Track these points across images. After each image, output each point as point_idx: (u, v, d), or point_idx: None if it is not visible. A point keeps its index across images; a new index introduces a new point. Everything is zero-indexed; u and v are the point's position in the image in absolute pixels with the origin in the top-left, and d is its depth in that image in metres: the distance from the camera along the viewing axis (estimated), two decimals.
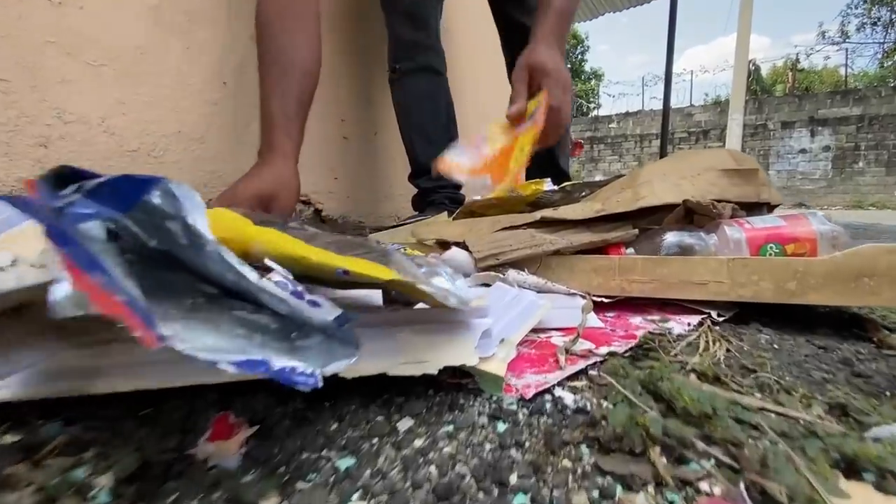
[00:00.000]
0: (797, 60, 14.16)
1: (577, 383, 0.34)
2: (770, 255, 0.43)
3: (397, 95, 0.92)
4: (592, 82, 21.53)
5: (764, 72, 16.92)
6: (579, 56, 22.02)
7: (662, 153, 4.15)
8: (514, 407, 0.31)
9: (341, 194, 0.98)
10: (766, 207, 0.48)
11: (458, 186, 0.96)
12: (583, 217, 0.45)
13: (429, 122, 0.91)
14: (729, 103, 11.09)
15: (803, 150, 10.82)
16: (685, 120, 12.05)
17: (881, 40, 11.87)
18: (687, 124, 12.02)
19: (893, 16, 11.19)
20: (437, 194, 0.92)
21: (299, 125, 0.61)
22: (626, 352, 0.39)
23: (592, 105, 17.79)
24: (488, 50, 1.15)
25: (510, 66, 1.09)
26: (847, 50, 11.22)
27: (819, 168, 10.72)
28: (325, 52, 0.92)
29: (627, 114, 12.89)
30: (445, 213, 0.81)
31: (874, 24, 11.33)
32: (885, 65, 12.23)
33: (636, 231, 0.44)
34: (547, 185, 0.69)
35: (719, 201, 0.45)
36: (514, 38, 1.00)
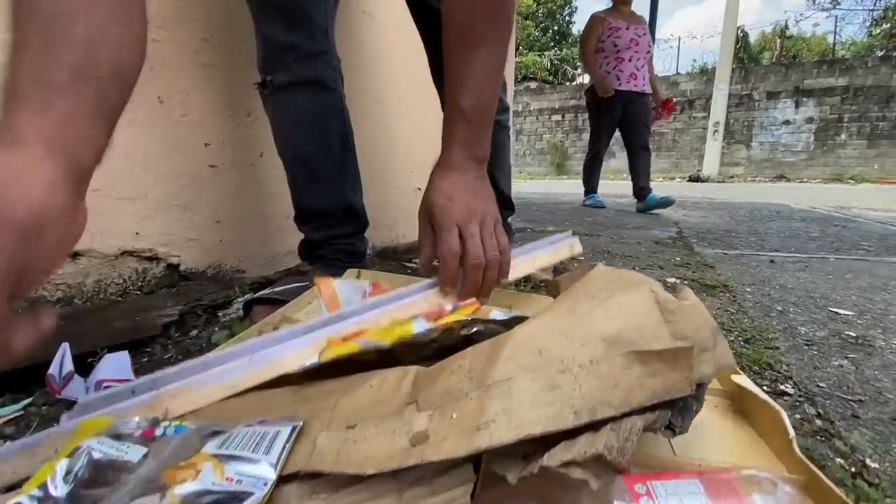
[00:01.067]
0: (786, 27, 13.81)
1: None
2: None
3: (271, 114, 0.70)
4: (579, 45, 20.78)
5: (752, 37, 16.52)
6: (567, 18, 21.18)
7: None
8: None
9: (209, 239, 0.77)
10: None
11: (360, 231, 0.77)
12: (381, 469, 0.23)
13: (314, 153, 0.70)
14: (715, 72, 10.84)
15: (787, 122, 10.69)
16: (671, 89, 11.73)
17: (871, 7, 11.59)
18: (672, 93, 11.71)
19: None
20: (328, 247, 0.73)
21: (74, 99, 0.31)
22: None
23: (578, 71, 17.23)
24: None
25: (432, 65, 0.87)
26: (836, 17, 10.89)
27: (801, 140, 10.63)
28: (170, 51, 0.69)
29: None
30: (331, 281, 0.63)
31: None
32: (874, 33, 11.99)
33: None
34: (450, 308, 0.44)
35: (628, 414, 0.22)
36: (430, 27, 0.78)
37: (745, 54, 12.31)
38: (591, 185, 3.34)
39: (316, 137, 0.69)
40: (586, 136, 14.29)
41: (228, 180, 0.80)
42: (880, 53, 10.84)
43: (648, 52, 2.72)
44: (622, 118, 2.86)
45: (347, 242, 0.74)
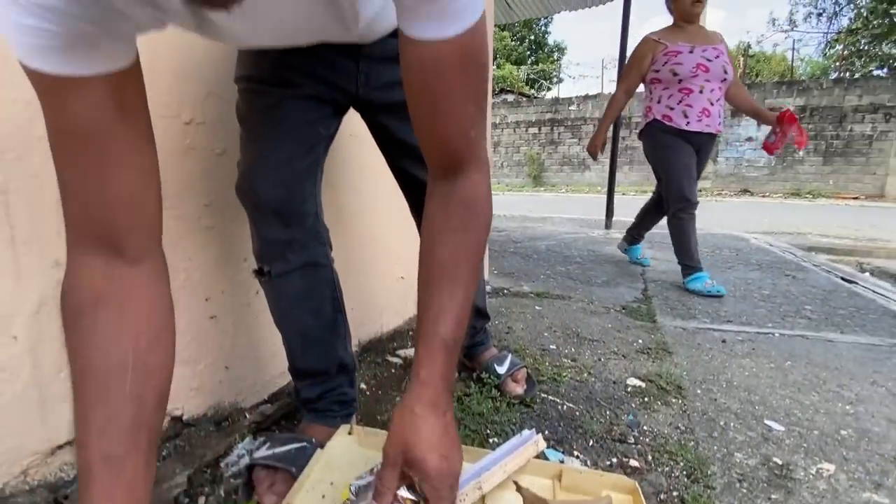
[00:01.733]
0: (749, 46, 14.50)
1: None
2: None
3: (268, 295, 0.77)
4: (555, 55, 21.26)
5: None
6: (542, 28, 21.59)
7: (615, 142, 4.14)
8: None
9: (210, 384, 0.82)
10: None
11: (351, 378, 0.84)
12: None
13: (310, 323, 0.76)
14: None
15: (749, 139, 11.20)
16: (641, 105, 12.12)
17: (825, 31, 12.27)
18: (642, 109, 12.11)
19: (837, 7, 11.55)
20: (322, 400, 0.80)
21: (132, 461, 0.40)
22: None
23: (554, 79, 17.59)
24: None
25: (419, 227, 0.94)
26: (793, 40, 11.56)
27: (763, 156, 11.15)
28: (175, 224, 0.76)
29: (587, 97, 12.86)
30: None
31: (819, 14, 11.67)
32: (828, 54, 12.71)
33: None
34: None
35: None
36: (415, 195, 0.86)
37: None
38: (639, 233, 2.78)
39: (310, 309, 0.76)
40: (562, 148, 14.70)
41: (227, 325, 0.86)
42: (834, 75, 11.47)
43: (725, 78, 2.01)
44: None
45: (339, 392, 0.81)
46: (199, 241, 0.81)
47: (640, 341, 1.46)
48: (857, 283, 2.31)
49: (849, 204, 9.04)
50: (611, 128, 3.12)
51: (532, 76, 16.61)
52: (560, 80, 17.42)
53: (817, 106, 10.61)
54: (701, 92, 2.01)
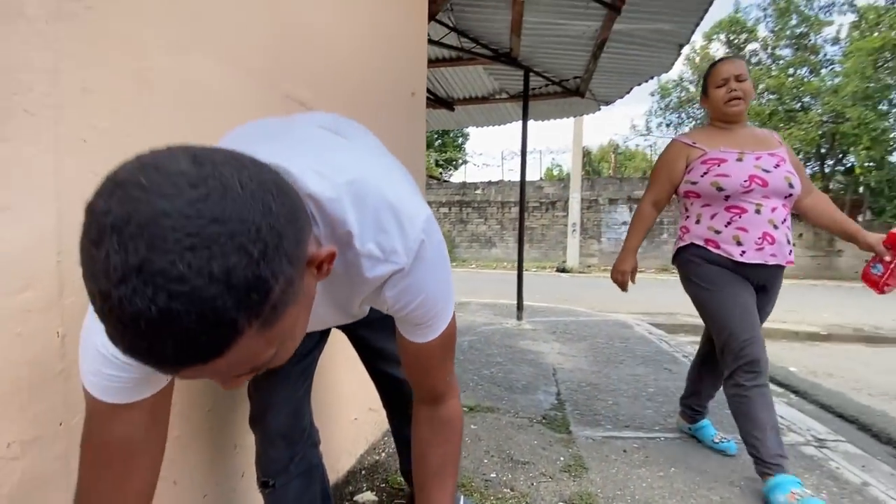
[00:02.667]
0: (617, 146, 17.59)
1: None
2: None
3: (268, 501, 0.85)
4: (460, 140, 23.31)
5: (595, 147, 20.34)
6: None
7: (521, 222, 4.66)
8: None
9: None
10: None
11: None
12: None
13: None
14: (570, 179, 13.09)
15: (625, 223, 13.12)
16: (536, 192, 13.72)
17: (673, 135, 15.29)
18: (538, 196, 13.70)
19: (680, 120, 14.57)
20: None
21: None
22: None
23: (460, 163, 19.11)
24: None
25: (388, 415, 1.08)
26: (650, 144, 14.49)
27: None
28: (182, 433, 0.85)
29: (490, 182, 14.19)
30: None
31: (668, 125, 14.66)
32: None
33: None
34: None
35: None
36: (389, 390, 1.02)
37: (590, 167, 15.06)
38: (700, 405, 1.88)
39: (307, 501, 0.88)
40: (471, 227, 15.86)
41: None
42: None
43: (790, 194, 1.50)
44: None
45: None
46: (197, 424, 0.90)
47: (562, 459, 1.71)
48: None
49: None
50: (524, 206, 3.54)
51: (441, 161, 18.02)
52: (465, 162, 19.05)
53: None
54: (758, 212, 1.45)
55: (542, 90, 4.65)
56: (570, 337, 3.95)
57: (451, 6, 3.56)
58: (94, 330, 0.46)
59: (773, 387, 3.13)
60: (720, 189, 1.49)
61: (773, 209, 1.48)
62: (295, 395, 0.84)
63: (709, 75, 1.60)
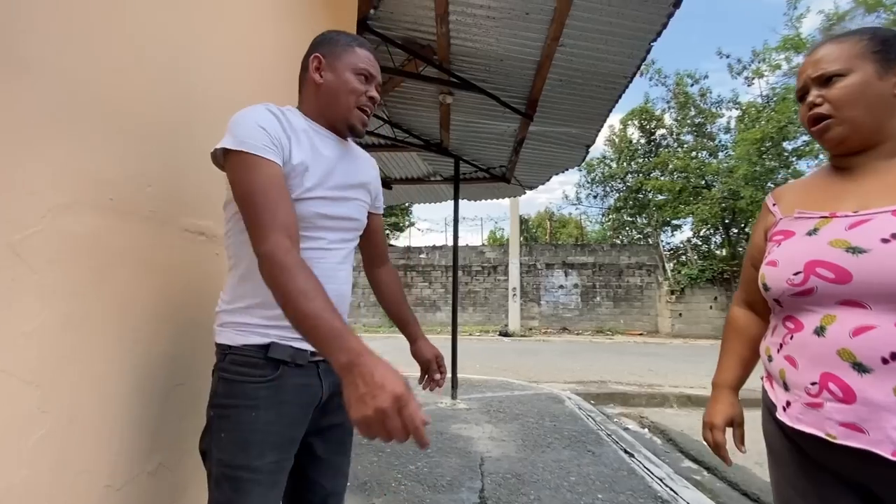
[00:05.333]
0: (552, 214, 18.87)
1: None
2: None
3: None
4: (405, 204, 23.88)
5: (533, 213, 21.56)
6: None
7: (454, 290, 4.71)
8: None
9: None
10: None
11: None
12: None
13: None
14: (509, 244, 13.71)
15: (561, 286, 13.74)
16: (479, 256, 14.16)
17: (600, 206, 16.59)
18: (480, 260, 14.13)
19: (605, 192, 15.93)
20: None
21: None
22: None
23: (404, 229, 19.44)
24: None
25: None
26: (581, 212, 15.76)
27: (573, 300, 13.67)
28: None
29: (435, 247, 14.48)
30: None
31: (595, 196, 16.00)
32: (604, 224, 17.11)
33: None
34: None
35: None
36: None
37: (527, 234, 15.88)
38: None
39: None
40: (415, 290, 15.88)
41: None
42: (610, 242, 15.26)
43: None
44: None
45: None
46: None
47: None
48: (634, 456, 3.00)
49: (636, 341, 11.47)
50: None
51: (387, 226, 18.29)
52: (411, 225, 19.44)
53: (603, 263, 13.76)
54: (820, 333, 0.73)
55: (472, 175, 4.99)
56: (502, 417, 3.97)
57: (384, 102, 3.83)
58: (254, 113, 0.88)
59: (688, 463, 3.30)
60: (766, 288, 0.82)
61: (861, 329, 0.69)
62: None
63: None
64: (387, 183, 5.34)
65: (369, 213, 1.09)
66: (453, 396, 4.40)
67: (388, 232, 19.61)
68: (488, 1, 2.49)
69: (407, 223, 19.54)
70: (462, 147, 4.42)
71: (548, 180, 4.92)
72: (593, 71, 2.91)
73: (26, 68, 0.78)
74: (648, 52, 2.56)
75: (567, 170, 4.63)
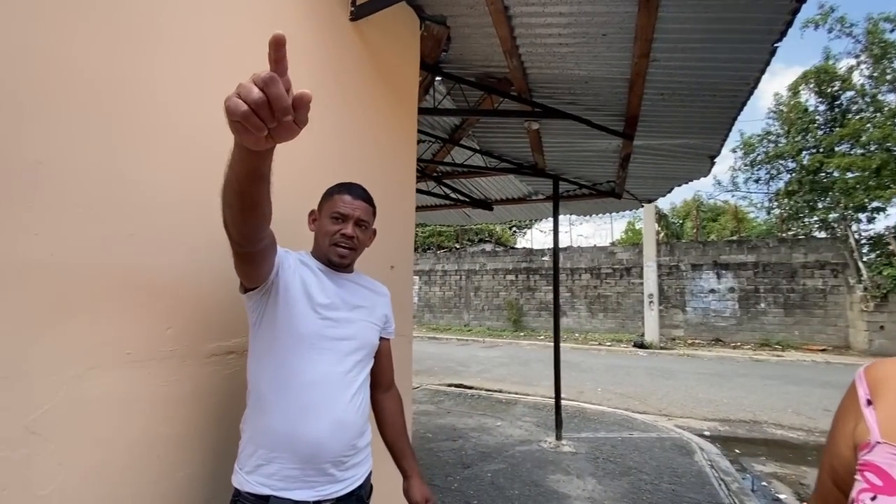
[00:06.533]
0: (701, 203, 16.26)
1: None
2: None
3: None
4: None
5: (678, 203, 19.07)
6: None
7: (556, 317, 4.38)
8: None
9: None
10: None
11: None
12: None
13: None
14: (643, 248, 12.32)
15: (713, 290, 11.87)
16: (609, 258, 13.08)
17: (765, 191, 13.83)
18: (611, 261, 13.04)
19: (771, 173, 13.21)
20: None
21: None
22: None
23: (525, 225, 18.96)
24: None
25: None
26: (740, 199, 13.15)
27: (728, 307, 11.71)
28: None
29: (559, 249, 13.83)
30: None
31: (756, 181, 13.33)
32: (770, 214, 14.20)
33: None
34: None
35: None
36: None
37: (667, 231, 14.08)
38: None
39: None
40: (539, 294, 15.47)
41: None
42: (777, 236, 12.63)
43: None
44: None
45: None
46: None
47: None
48: None
49: (815, 360, 9.28)
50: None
51: (513, 227, 18.13)
52: (530, 225, 18.86)
53: (768, 262, 11.49)
54: None
55: (575, 192, 4.58)
56: (611, 469, 3.56)
57: (473, 132, 3.73)
58: None
59: None
60: None
61: None
62: None
63: None
64: (488, 204, 5.23)
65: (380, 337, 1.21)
66: (558, 437, 4.11)
67: (514, 230, 19.40)
68: (557, 30, 2.20)
69: (527, 225, 19.07)
70: (560, 167, 4.07)
71: (669, 192, 4.25)
72: (701, 82, 2.38)
73: (34, 266, 0.85)
74: (773, 53, 1.98)
75: (690, 181, 3.92)
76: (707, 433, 4.74)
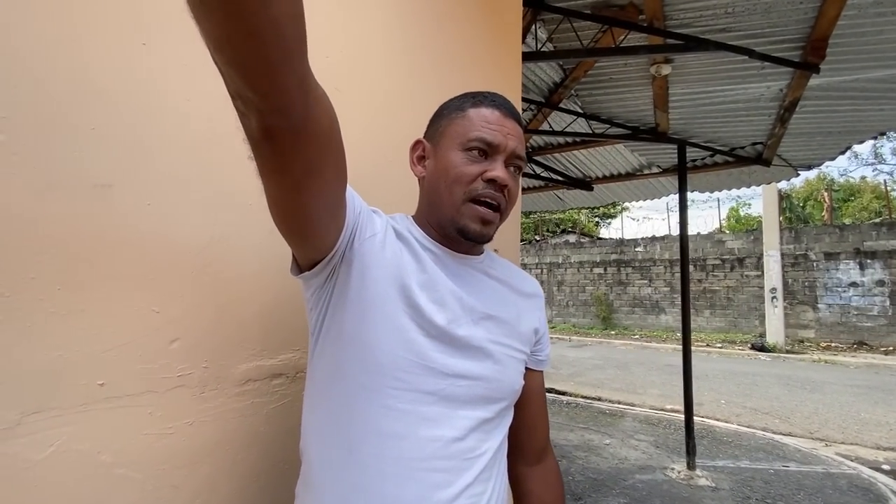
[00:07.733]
0: (832, 181, 13.65)
1: None
2: None
3: None
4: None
5: (797, 182, 16.43)
6: None
7: (684, 284, 3.60)
8: None
9: None
10: None
11: None
12: None
13: None
14: (762, 229, 10.58)
15: (854, 284, 9.89)
16: (716, 247, 11.49)
17: None
18: (719, 251, 11.44)
19: None
20: None
21: None
22: None
23: (616, 213, 17.54)
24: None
25: None
26: (885, 176, 10.65)
27: (876, 304, 9.68)
28: None
29: (654, 238, 12.50)
30: None
31: None
32: None
33: None
34: None
35: None
36: None
37: (791, 214, 12.07)
38: None
39: None
40: (632, 289, 14.29)
41: None
42: None
43: None
44: None
45: None
46: None
47: None
48: None
49: None
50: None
51: (595, 216, 16.77)
52: (622, 211, 17.35)
53: None
54: None
55: (704, 161, 3.70)
56: (760, 490, 2.72)
57: (577, 91, 3.07)
58: None
59: None
60: None
61: None
62: None
63: None
64: (587, 183, 4.50)
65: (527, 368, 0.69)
66: (690, 465, 3.29)
67: (597, 221, 18.05)
68: None
69: (619, 209, 17.54)
70: (689, 128, 3.25)
71: (841, 153, 3.23)
72: None
73: None
74: None
75: (880, 135, 2.91)
76: (886, 467, 3.64)
